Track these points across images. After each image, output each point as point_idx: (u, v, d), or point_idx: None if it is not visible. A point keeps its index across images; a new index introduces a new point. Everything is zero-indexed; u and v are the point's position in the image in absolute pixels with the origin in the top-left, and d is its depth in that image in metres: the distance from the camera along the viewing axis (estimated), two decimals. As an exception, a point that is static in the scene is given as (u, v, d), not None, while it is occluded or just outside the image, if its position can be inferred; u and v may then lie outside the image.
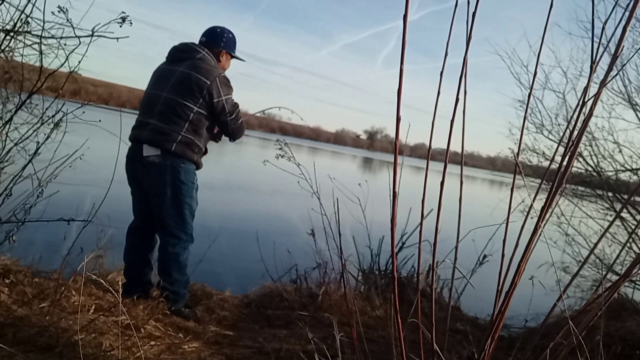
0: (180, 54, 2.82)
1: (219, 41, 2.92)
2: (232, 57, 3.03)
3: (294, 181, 2.40)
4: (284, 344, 2.60)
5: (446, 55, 1.16)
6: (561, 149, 1.29)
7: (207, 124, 2.78)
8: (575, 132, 1.24)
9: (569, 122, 1.30)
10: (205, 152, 2.92)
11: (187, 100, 2.67)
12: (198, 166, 2.85)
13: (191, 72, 2.69)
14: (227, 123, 2.81)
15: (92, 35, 2.25)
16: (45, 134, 2.53)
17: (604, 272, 3.81)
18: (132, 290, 2.79)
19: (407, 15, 0.98)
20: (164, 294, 2.76)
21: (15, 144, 2.53)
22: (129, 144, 2.79)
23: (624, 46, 1.13)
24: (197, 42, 2.90)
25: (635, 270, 1.36)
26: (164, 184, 2.69)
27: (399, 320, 1.27)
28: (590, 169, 5.20)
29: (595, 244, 1.76)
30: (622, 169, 5.03)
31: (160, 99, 2.70)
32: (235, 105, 2.83)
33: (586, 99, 1.22)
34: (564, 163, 1.25)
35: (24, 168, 2.53)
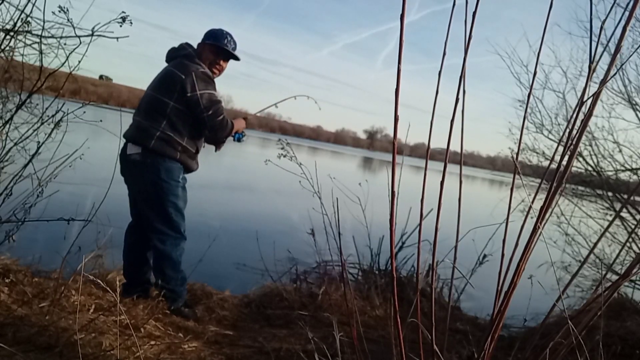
0: (171, 53, 2.87)
1: (204, 38, 2.89)
2: (220, 49, 2.86)
3: (294, 181, 2.40)
4: (284, 344, 2.60)
5: (444, 55, 1.16)
6: (561, 149, 1.29)
7: (188, 121, 2.73)
8: (575, 132, 1.24)
9: (568, 122, 1.30)
10: (197, 151, 2.89)
11: (163, 95, 2.69)
12: (187, 166, 2.81)
13: (170, 68, 2.73)
14: (205, 120, 2.73)
15: (92, 35, 2.25)
16: (45, 134, 2.53)
17: (604, 272, 3.81)
18: (131, 290, 2.79)
19: (404, 15, 0.98)
20: (162, 292, 2.76)
21: (15, 144, 2.53)
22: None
23: (623, 45, 1.13)
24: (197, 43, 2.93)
25: (635, 270, 1.36)
26: (144, 181, 2.71)
27: (399, 320, 1.27)
28: (590, 168, 5.20)
29: (595, 244, 1.76)
30: (622, 168, 5.03)
31: (146, 97, 2.77)
32: (213, 101, 2.72)
33: (585, 99, 1.22)
34: (564, 163, 1.25)
35: (24, 168, 2.54)
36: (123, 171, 2.80)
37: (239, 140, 3.05)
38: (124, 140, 2.79)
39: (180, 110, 2.70)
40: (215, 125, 2.76)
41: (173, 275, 2.81)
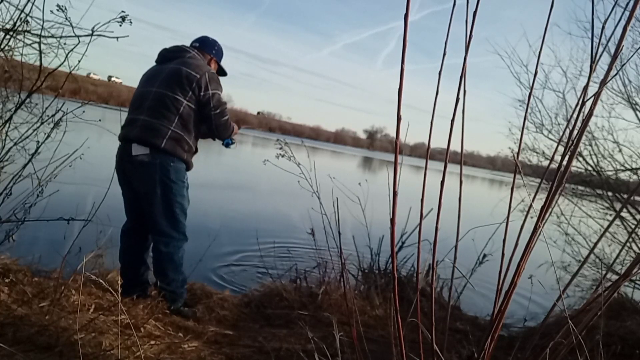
0: (170, 54, 2.87)
1: (211, 49, 3.01)
2: (218, 67, 3.09)
3: (294, 181, 2.40)
4: (284, 343, 2.60)
5: (444, 55, 1.16)
6: (561, 149, 1.29)
7: (195, 119, 2.78)
8: (575, 132, 1.24)
9: (568, 122, 1.30)
10: (196, 151, 2.91)
11: (177, 94, 2.68)
12: (188, 166, 2.84)
13: (181, 67, 2.73)
14: (211, 117, 2.80)
15: (91, 35, 2.25)
16: (45, 133, 2.53)
17: (604, 272, 3.82)
18: (130, 291, 2.79)
19: (408, 15, 0.98)
20: (162, 294, 2.76)
21: (15, 143, 2.54)
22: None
23: (623, 46, 1.13)
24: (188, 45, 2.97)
25: (635, 270, 1.36)
26: (153, 183, 2.67)
27: (399, 320, 1.27)
28: (590, 168, 5.20)
29: (595, 244, 1.76)
30: (622, 168, 5.03)
31: (150, 95, 2.71)
32: (221, 102, 2.82)
33: (586, 99, 1.22)
34: (564, 162, 1.25)
35: (24, 167, 2.54)
36: (125, 172, 2.76)
37: (227, 145, 3.09)
38: (120, 141, 2.76)
39: (191, 109, 2.72)
40: (220, 125, 2.84)
41: (174, 277, 2.81)
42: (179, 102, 2.68)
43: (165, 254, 2.76)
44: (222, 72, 3.14)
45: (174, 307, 2.82)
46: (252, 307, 3.29)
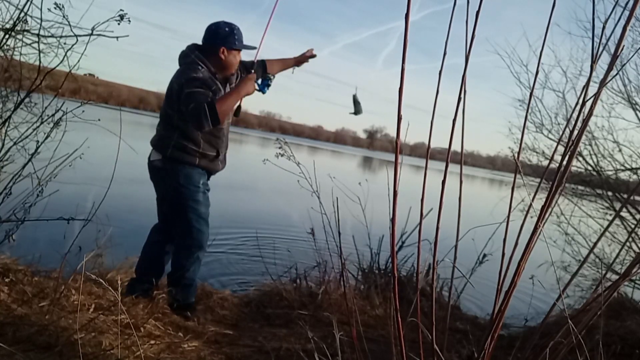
0: (180, 60, 2.84)
1: (215, 39, 2.76)
2: (238, 49, 2.82)
3: (293, 180, 2.39)
4: (284, 343, 2.60)
5: (445, 55, 1.16)
6: (561, 148, 1.29)
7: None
8: (575, 132, 1.24)
9: (568, 122, 1.30)
10: (217, 155, 2.83)
11: (168, 107, 2.72)
12: (209, 170, 2.85)
13: (171, 80, 2.73)
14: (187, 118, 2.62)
15: (91, 34, 2.25)
16: (44, 133, 2.53)
17: (604, 272, 3.82)
18: (137, 287, 2.84)
19: (409, 15, 0.98)
20: (169, 289, 2.82)
21: (15, 143, 2.53)
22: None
23: (624, 46, 1.13)
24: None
25: (634, 270, 1.36)
26: (165, 187, 2.79)
27: (399, 320, 1.27)
28: (589, 168, 5.20)
29: (595, 243, 1.76)
30: (622, 168, 5.03)
31: (162, 108, 2.86)
32: (185, 97, 2.54)
33: (586, 99, 1.22)
34: (564, 162, 1.25)
35: (23, 167, 2.53)
36: (150, 176, 2.87)
37: (267, 87, 2.97)
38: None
39: (184, 119, 2.67)
40: (191, 117, 2.56)
41: (186, 276, 2.86)
42: (171, 115, 2.72)
43: (183, 254, 2.86)
44: (247, 48, 2.84)
45: (178, 302, 2.84)
46: (252, 307, 3.29)
